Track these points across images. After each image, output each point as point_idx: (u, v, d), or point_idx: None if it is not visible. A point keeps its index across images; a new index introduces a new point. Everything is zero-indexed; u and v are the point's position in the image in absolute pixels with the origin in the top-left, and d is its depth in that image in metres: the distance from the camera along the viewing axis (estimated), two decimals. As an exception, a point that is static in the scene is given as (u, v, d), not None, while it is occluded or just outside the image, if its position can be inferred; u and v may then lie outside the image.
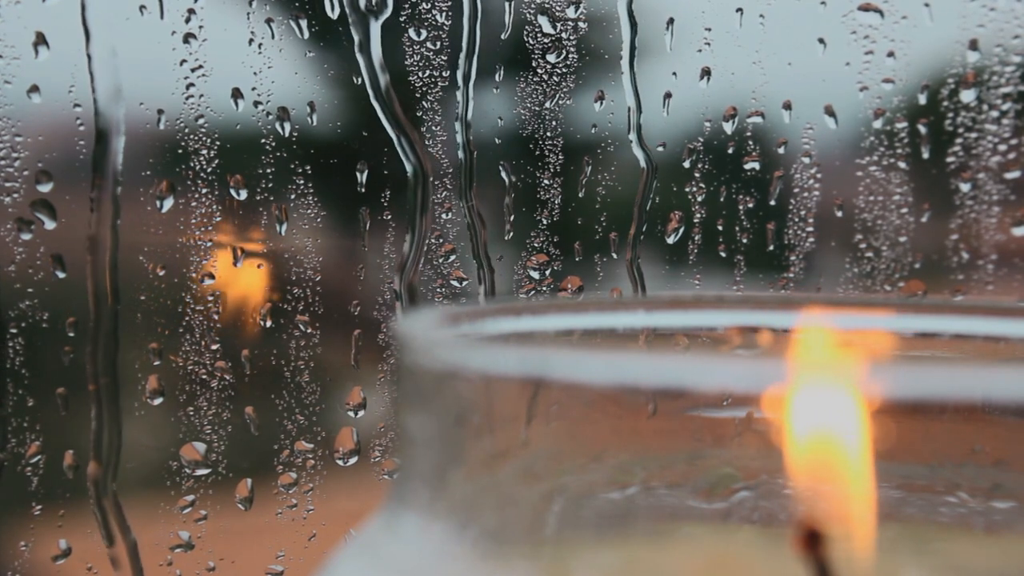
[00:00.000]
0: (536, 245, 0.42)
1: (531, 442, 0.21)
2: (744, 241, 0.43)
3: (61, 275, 0.38)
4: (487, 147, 0.42)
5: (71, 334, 0.38)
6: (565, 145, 0.42)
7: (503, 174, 0.42)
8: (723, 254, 0.43)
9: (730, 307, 0.26)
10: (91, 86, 0.37)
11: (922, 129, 0.42)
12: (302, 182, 0.41)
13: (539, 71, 0.42)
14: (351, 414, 0.42)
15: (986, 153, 0.42)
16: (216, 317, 0.40)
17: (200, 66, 0.39)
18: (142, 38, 0.38)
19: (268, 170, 0.40)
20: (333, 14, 0.40)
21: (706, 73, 0.42)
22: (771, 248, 0.43)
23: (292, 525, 0.42)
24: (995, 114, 0.42)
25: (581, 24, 0.42)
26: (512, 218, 0.42)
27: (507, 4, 0.41)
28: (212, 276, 0.40)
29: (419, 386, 0.21)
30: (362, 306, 0.42)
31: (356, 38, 0.40)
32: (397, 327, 0.22)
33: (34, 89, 0.37)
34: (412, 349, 0.21)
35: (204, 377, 0.40)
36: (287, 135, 0.40)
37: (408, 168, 0.41)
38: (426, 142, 0.41)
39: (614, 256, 0.43)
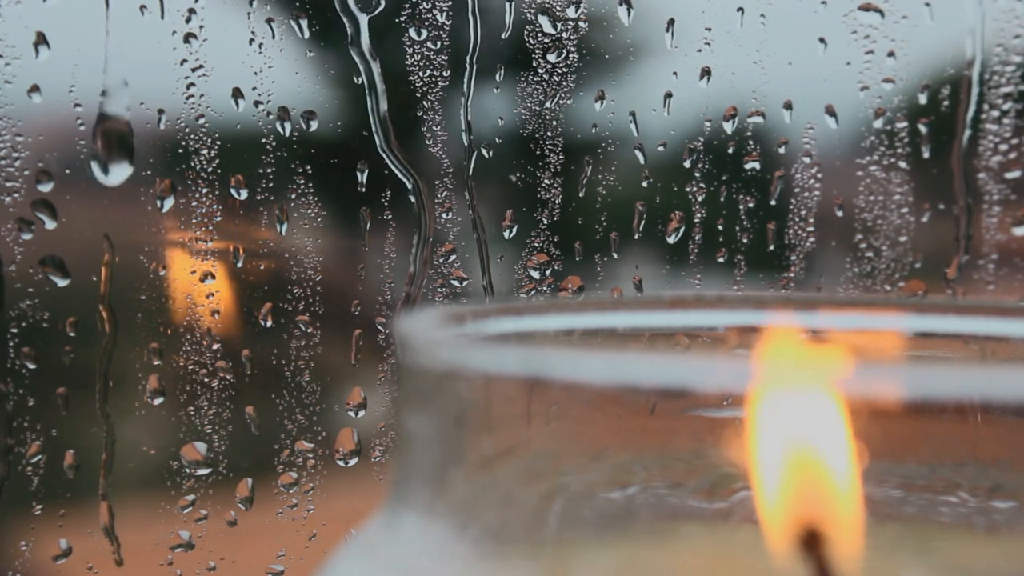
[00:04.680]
0: (536, 245, 0.42)
1: (531, 442, 0.21)
2: (744, 241, 0.43)
3: (62, 281, 0.38)
4: (487, 147, 0.42)
5: (71, 334, 0.38)
6: (566, 145, 0.42)
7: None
8: (723, 254, 0.43)
9: (730, 307, 0.26)
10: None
11: (922, 129, 0.42)
12: (302, 182, 0.41)
13: (539, 71, 0.42)
14: (351, 414, 0.42)
15: (987, 153, 0.42)
16: (216, 317, 0.40)
17: (201, 66, 0.39)
18: (142, 38, 0.38)
19: (269, 170, 0.40)
20: (332, 13, 0.40)
21: (706, 73, 0.42)
22: (772, 248, 0.43)
23: (292, 525, 0.42)
24: (996, 114, 0.42)
25: (581, 24, 0.42)
26: (514, 229, 0.42)
27: (508, 4, 0.41)
28: (212, 276, 0.40)
29: (419, 386, 0.21)
30: (362, 306, 0.42)
31: (349, 32, 0.40)
32: (397, 327, 0.22)
33: (34, 89, 0.37)
34: (412, 349, 0.21)
35: (204, 377, 0.40)
36: (287, 135, 0.40)
37: (409, 185, 0.41)
38: (426, 141, 0.41)
39: (615, 256, 0.43)
